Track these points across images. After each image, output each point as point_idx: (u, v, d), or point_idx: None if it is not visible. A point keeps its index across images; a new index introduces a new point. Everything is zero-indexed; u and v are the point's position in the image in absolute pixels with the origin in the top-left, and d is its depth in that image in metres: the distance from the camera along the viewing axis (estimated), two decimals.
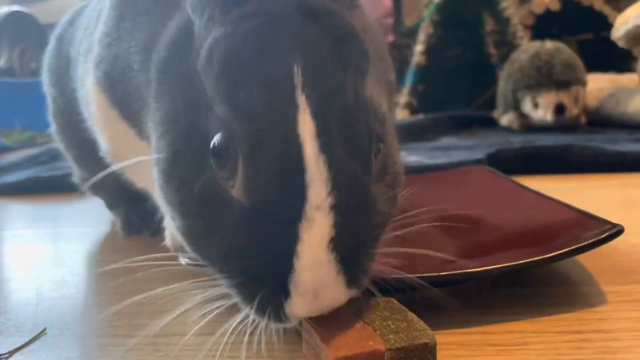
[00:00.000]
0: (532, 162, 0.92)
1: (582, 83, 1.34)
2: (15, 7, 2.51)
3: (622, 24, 1.28)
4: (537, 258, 0.40)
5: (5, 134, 1.89)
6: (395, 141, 0.42)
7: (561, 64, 1.31)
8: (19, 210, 0.93)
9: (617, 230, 0.42)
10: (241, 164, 0.33)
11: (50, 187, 0.98)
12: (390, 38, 1.86)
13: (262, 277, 0.33)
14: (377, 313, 0.35)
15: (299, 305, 0.33)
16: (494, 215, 0.54)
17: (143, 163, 0.44)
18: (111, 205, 0.77)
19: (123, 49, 0.50)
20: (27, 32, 2.54)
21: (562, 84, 1.30)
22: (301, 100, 0.33)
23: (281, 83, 0.33)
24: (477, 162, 0.91)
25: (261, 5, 0.36)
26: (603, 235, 0.41)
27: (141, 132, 0.49)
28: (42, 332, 0.42)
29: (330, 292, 0.33)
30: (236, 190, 0.34)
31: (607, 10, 1.96)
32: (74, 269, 0.59)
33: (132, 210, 0.73)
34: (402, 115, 1.64)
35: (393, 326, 0.34)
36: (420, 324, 0.34)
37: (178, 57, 0.40)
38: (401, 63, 1.89)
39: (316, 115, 0.33)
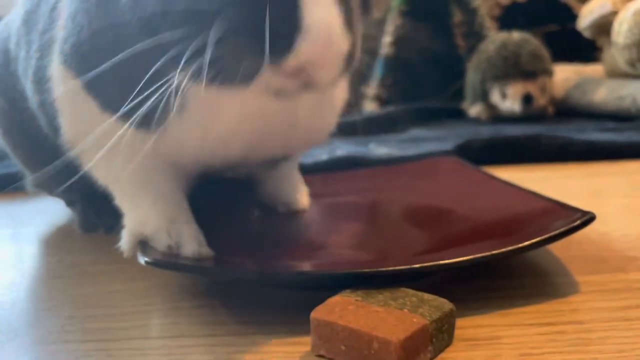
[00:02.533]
0: (501, 153, 0.91)
1: (549, 73, 1.34)
2: None
3: (588, 14, 1.29)
4: (508, 249, 0.39)
5: None
6: None
7: (528, 54, 1.31)
8: None
9: (588, 218, 0.41)
10: None
11: (6, 184, 0.93)
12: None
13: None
14: (384, 296, 0.35)
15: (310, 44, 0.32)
16: (463, 206, 0.53)
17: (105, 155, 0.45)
18: (69, 202, 0.74)
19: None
20: None
21: (529, 74, 1.30)
22: None
23: None
24: (446, 153, 0.91)
25: None
26: (574, 224, 0.40)
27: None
28: None
29: (340, 38, 0.33)
30: None
31: (572, 1, 1.99)
32: (26, 271, 0.56)
33: (90, 207, 0.70)
34: (371, 107, 1.62)
35: (410, 304, 0.34)
36: (427, 295, 0.34)
37: None
38: (370, 55, 1.88)
39: None
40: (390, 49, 1.64)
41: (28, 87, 0.60)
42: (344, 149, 1.03)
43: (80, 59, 0.49)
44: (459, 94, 1.77)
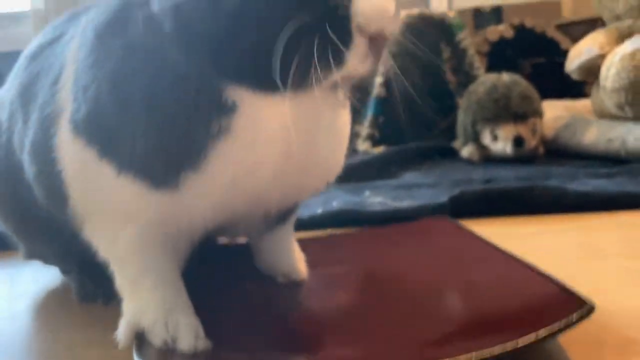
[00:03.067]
0: (495, 204, 0.92)
1: (539, 114, 1.36)
2: None
3: (575, 57, 1.31)
4: (506, 350, 0.39)
5: None
6: None
7: (517, 96, 1.33)
8: None
9: (588, 310, 0.41)
10: None
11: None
12: None
13: None
14: None
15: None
16: (459, 282, 0.54)
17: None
18: (65, 271, 0.74)
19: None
20: None
21: (520, 117, 1.32)
22: None
23: None
24: (440, 207, 0.91)
25: None
26: (574, 319, 0.40)
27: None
28: None
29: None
30: None
31: (559, 36, 2.02)
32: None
33: (87, 277, 0.69)
34: (364, 147, 1.63)
35: None
36: None
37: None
38: (361, 93, 1.90)
39: None
40: (381, 89, 1.66)
41: (24, 158, 0.60)
42: (339, 199, 1.03)
43: (97, 128, 0.50)
44: (451, 130, 1.79)
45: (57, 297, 0.72)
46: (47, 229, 0.65)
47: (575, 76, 1.34)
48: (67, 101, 0.53)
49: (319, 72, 0.42)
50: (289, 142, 0.50)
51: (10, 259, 0.89)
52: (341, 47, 0.41)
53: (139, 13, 0.48)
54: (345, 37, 0.41)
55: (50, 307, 0.70)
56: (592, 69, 1.29)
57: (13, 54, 2.65)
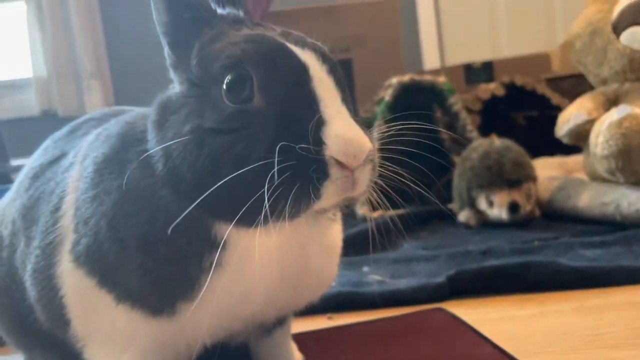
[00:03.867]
0: (492, 283, 0.93)
1: (533, 179, 1.38)
2: None
3: (564, 123, 1.34)
4: None
5: None
6: None
7: (510, 162, 1.35)
8: None
9: None
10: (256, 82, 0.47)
11: None
12: None
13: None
14: None
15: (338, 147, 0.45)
16: None
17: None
18: None
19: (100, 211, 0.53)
20: None
21: (514, 183, 1.34)
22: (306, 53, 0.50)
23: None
24: (438, 287, 0.92)
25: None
26: None
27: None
28: None
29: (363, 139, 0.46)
30: (256, 101, 0.47)
31: (548, 92, 2.07)
32: None
33: None
34: (362, 211, 1.65)
35: None
36: None
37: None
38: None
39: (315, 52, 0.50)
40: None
41: (26, 280, 0.61)
42: (338, 278, 1.04)
43: (96, 260, 0.53)
44: (448, 188, 1.81)
45: None
46: (47, 342, 0.66)
47: (565, 141, 1.36)
48: (68, 231, 0.55)
49: (300, 207, 0.45)
50: (282, 264, 0.53)
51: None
52: (317, 184, 0.45)
53: (135, 151, 0.51)
54: (321, 174, 0.45)
55: None
56: (581, 134, 1.32)
57: (16, 120, 2.71)
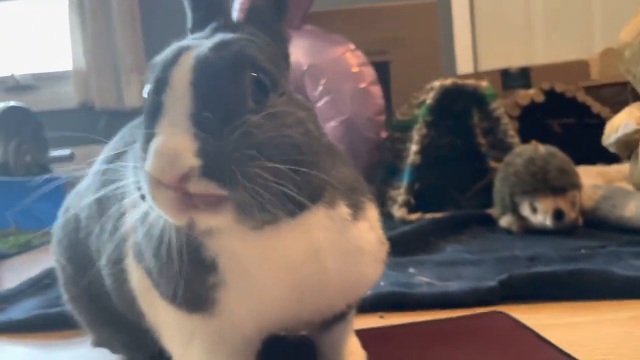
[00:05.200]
0: (543, 289, 0.93)
1: (578, 187, 1.37)
2: (12, 103, 2.54)
3: (612, 132, 1.33)
4: None
5: (0, 234, 1.87)
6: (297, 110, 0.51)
7: (555, 169, 1.34)
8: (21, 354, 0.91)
9: None
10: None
11: (58, 325, 0.96)
12: (384, 134, 1.90)
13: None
14: None
15: (150, 163, 0.43)
16: None
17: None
18: None
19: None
20: (23, 126, 2.56)
21: (559, 190, 1.33)
22: (186, 55, 0.48)
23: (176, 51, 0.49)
24: (490, 291, 0.92)
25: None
26: None
27: None
28: None
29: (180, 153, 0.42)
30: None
31: (589, 100, 2.05)
32: None
33: None
34: (400, 213, 1.66)
35: None
36: None
37: None
38: (394, 157, 1.94)
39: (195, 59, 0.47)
40: (416, 157, 1.69)
41: (102, 268, 0.64)
42: (386, 278, 1.05)
43: (144, 260, 0.56)
44: (484, 193, 1.81)
45: None
46: (120, 322, 0.69)
47: (612, 150, 1.36)
48: (131, 228, 0.57)
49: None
50: (293, 272, 0.53)
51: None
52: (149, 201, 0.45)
53: None
54: (143, 191, 0.45)
55: None
56: (629, 143, 1.31)
57: (54, 112, 2.78)
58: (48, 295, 1.12)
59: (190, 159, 0.42)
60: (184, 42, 0.50)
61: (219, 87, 0.46)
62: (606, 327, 0.80)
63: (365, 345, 0.71)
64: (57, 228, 0.76)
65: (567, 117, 2.29)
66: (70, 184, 0.77)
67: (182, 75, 0.46)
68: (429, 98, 1.71)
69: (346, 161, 0.60)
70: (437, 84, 1.72)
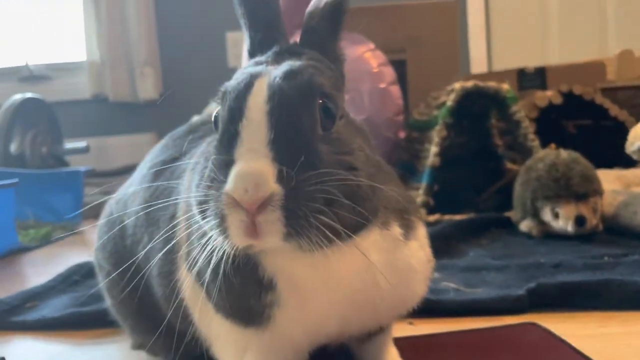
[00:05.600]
0: (571, 298, 0.94)
1: (600, 194, 1.38)
2: (29, 94, 2.55)
3: (636, 139, 1.34)
4: None
5: (20, 226, 1.88)
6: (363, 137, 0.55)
7: (578, 176, 1.35)
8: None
9: None
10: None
11: (92, 323, 0.98)
12: (402, 134, 1.91)
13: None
14: None
15: (232, 185, 0.44)
16: None
17: None
18: None
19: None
20: (39, 117, 2.58)
21: (581, 196, 1.34)
22: (258, 83, 0.49)
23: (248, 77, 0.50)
24: (519, 299, 0.93)
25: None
26: None
27: None
28: None
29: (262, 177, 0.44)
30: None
31: (607, 103, 2.05)
32: None
33: None
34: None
35: None
36: None
37: None
38: (412, 156, 1.95)
39: (269, 89, 0.48)
40: (436, 159, 1.69)
41: (153, 278, 0.65)
42: None
43: (198, 273, 0.58)
44: (501, 193, 1.82)
45: None
46: (165, 328, 0.70)
47: (636, 157, 1.36)
48: (182, 240, 0.59)
49: (223, 244, 0.48)
50: (351, 290, 0.55)
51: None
52: (220, 224, 0.46)
53: None
54: (219, 213, 0.47)
55: None
56: None
57: (67, 103, 2.79)
58: (78, 292, 1.13)
59: (273, 185, 0.44)
60: (253, 70, 0.51)
61: (293, 117, 0.47)
62: (637, 340, 0.81)
63: (402, 355, 0.72)
64: (100, 232, 0.77)
65: (582, 119, 2.29)
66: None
67: (258, 106, 0.47)
68: (450, 100, 1.71)
69: (395, 178, 0.61)
70: (457, 85, 1.73)
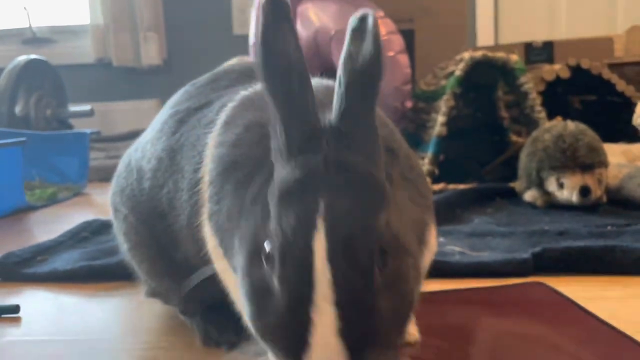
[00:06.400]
0: (576, 263, 0.96)
1: (605, 165, 1.39)
2: (33, 56, 2.53)
3: None
4: None
5: (26, 187, 1.89)
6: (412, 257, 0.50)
7: (585, 147, 1.36)
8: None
9: None
10: (276, 264, 0.44)
11: (103, 276, 1.00)
12: (409, 104, 1.91)
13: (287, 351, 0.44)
14: None
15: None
16: None
17: None
18: (186, 313, 0.79)
19: (226, 206, 0.57)
20: (44, 80, 2.56)
21: (587, 167, 1.35)
22: (320, 224, 0.44)
23: (308, 213, 0.44)
24: (524, 262, 0.95)
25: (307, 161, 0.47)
26: None
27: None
28: None
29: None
30: (275, 282, 0.44)
31: (615, 78, 2.04)
32: None
33: (210, 322, 0.74)
34: None
35: None
36: None
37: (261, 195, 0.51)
38: (417, 126, 1.95)
39: (328, 235, 0.43)
40: (442, 129, 1.70)
41: (182, 228, 0.66)
42: None
43: (219, 235, 0.58)
44: (505, 166, 1.83)
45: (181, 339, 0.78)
46: (178, 274, 0.71)
47: None
48: (205, 197, 0.60)
49: None
50: None
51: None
52: None
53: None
54: None
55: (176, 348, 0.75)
56: None
57: (71, 66, 2.78)
58: (88, 248, 1.15)
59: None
60: (305, 200, 0.45)
61: (358, 284, 0.44)
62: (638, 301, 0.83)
63: None
64: (118, 178, 0.77)
65: (588, 94, 2.28)
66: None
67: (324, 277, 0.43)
68: (458, 69, 1.71)
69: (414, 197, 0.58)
70: (466, 55, 1.72)
